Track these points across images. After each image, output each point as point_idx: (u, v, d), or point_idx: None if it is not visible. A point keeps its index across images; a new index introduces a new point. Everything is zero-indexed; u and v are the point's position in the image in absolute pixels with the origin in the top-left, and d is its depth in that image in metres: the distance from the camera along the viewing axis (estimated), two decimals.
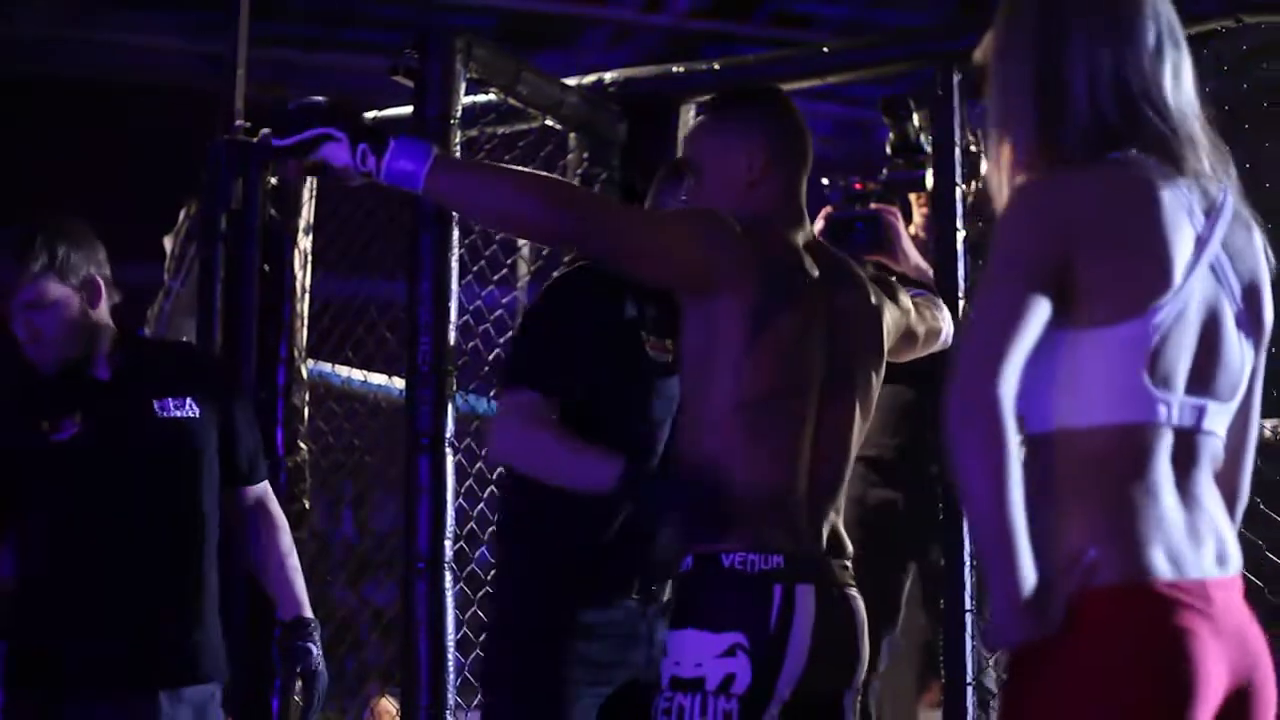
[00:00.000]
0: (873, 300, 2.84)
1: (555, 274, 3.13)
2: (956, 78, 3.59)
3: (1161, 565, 1.98)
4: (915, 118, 3.94)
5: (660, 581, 2.98)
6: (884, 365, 2.83)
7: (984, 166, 3.74)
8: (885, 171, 3.93)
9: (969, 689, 3.44)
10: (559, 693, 2.88)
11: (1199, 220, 2.06)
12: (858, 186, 3.87)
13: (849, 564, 2.75)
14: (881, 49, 3.87)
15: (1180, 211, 2.04)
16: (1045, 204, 2.04)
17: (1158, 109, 2.09)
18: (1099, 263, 2.01)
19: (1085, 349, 2.02)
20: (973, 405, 1.96)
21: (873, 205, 3.80)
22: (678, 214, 2.88)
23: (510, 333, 3.96)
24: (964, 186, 3.58)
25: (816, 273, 2.73)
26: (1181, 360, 2.03)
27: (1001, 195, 2.13)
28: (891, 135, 3.97)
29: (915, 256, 3.80)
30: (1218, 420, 2.07)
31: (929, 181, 3.90)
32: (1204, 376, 2.05)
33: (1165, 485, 2.02)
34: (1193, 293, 2.04)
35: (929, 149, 3.92)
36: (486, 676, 3.03)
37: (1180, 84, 2.12)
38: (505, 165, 3.01)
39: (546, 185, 2.80)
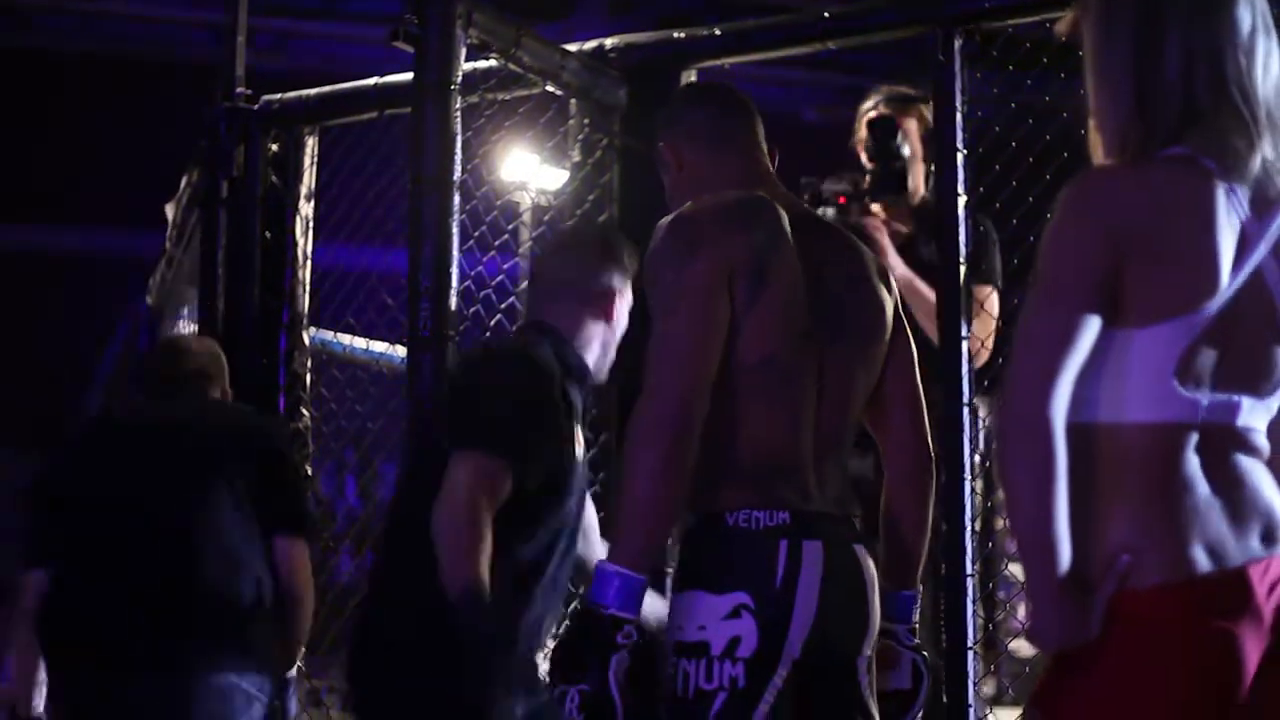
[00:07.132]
0: (859, 250, 2.81)
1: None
2: (958, 43, 3.58)
3: (1200, 559, 1.99)
4: (899, 135, 3.98)
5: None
6: (887, 316, 2.78)
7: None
8: (866, 180, 3.96)
9: (970, 654, 3.44)
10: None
11: (1251, 221, 2.05)
12: (841, 201, 3.91)
13: (857, 521, 2.71)
14: (883, 14, 3.85)
15: (1231, 214, 2.03)
16: (1096, 210, 2.04)
17: (1245, 94, 2.09)
18: (1146, 269, 2.01)
19: (1123, 347, 2.03)
20: (1026, 426, 1.99)
21: (851, 218, 3.85)
22: (681, 302, 2.60)
23: (511, 299, 3.96)
24: (964, 152, 3.58)
25: (798, 231, 2.68)
26: (1218, 358, 2.03)
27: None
28: (872, 148, 3.98)
29: (900, 267, 3.83)
30: (1255, 416, 2.07)
31: (914, 184, 4.00)
32: (1241, 373, 2.05)
33: (1200, 477, 2.02)
34: (1236, 292, 2.03)
35: (906, 152, 3.98)
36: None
37: (1269, 73, 2.12)
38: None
39: (638, 433, 2.52)
